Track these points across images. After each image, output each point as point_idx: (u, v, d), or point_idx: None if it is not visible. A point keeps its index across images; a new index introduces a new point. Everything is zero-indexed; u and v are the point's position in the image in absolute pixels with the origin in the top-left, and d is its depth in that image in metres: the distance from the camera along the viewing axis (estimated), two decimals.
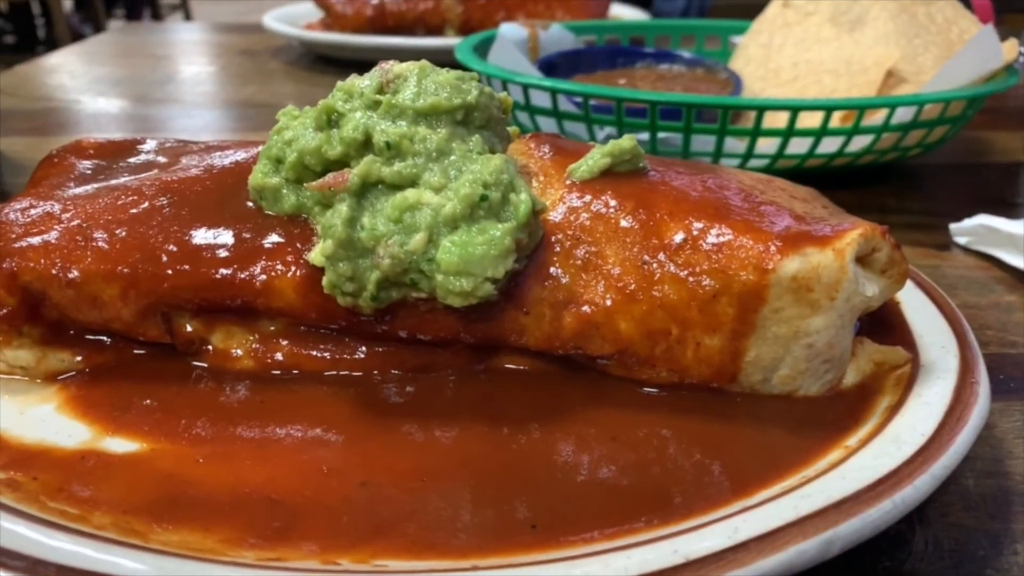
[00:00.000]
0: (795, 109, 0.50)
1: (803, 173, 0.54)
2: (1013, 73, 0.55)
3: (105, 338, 0.31)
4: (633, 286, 0.28)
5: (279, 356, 0.30)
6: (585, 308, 0.28)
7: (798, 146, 0.52)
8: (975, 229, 0.47)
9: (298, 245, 0.29)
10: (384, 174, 0.28)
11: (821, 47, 0.63)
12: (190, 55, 0.97)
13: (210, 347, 0.30)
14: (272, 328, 0.30)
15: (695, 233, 0.28)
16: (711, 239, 0.28)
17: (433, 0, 0.91)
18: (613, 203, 0.29)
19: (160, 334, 0.30)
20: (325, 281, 0.28)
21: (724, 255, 0.27)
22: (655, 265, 0.28)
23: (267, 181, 0.30)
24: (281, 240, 0.29)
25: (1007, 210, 0.54)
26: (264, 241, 0.29)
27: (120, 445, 0.26)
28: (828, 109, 0.50)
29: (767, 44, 0.66)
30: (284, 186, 0.30)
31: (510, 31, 0.65)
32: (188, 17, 7.74)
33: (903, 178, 0.59)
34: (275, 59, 0.93)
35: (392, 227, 0.27)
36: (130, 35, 1.10)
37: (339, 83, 0.31)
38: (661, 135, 0.52)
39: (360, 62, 0.85)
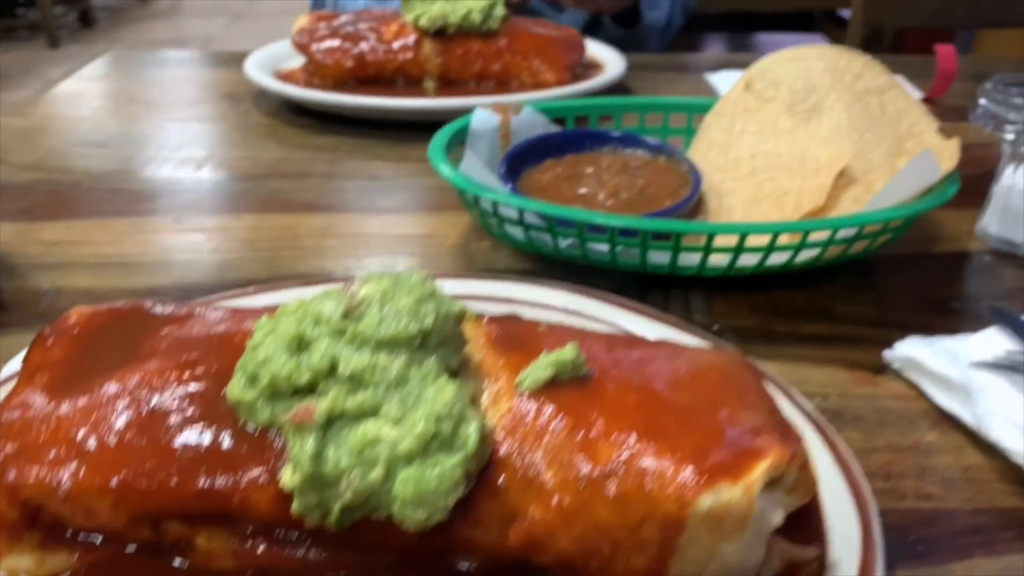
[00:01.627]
0: (743, 234, 0.53)
1: (757, 276, 0.58)
2: (954, 182, 0.58)
3: (99, 536, 0.34)
4: (572, 505, 0.31)
5: (258, 556, 0.33)
6: (529, 524, 0.31)
7: (749, 259, 0.56)
8: (904, 361, 0.51)
9: (272, 461, 0.32)
10: (348, 407, 0.31)
11: (778, 138, 0.66)
12: (174, 102, 0.98)
13: (195, 547, 0.34)
14: (251, 530, 0.33)
15: (626, 457, 0.31)
16: (641, 463, 0.31)
17: (412, 52, 0.93)
18: (555, 420, 0.32)
19: (149, 536, 0.33)
20: (294, 507, 0.31)
21: (651, 482, 0.31)
22: (591, 486, 0.31)
23: (243, 396, 0.33)
24: (257, 455, 0.32)
25: (946, 318, 0.57)
26: (241, 455, 0.33)
27: None
28: (774, 233, 0.53)
29: (728, 129, 0.69)
30: (259, 401, 0.33)
31: (481, 122, 0.67)
32: None
33: (855, 272, 0.62)
34: (257, 108, 0.95)
35: (354, 459, 0.31)
36: (115, 71, 1.11)
37: (310, 299, 0.34)
38: (619, 248, 0.56)
39: (340, 116, 0.87)
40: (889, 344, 0.53)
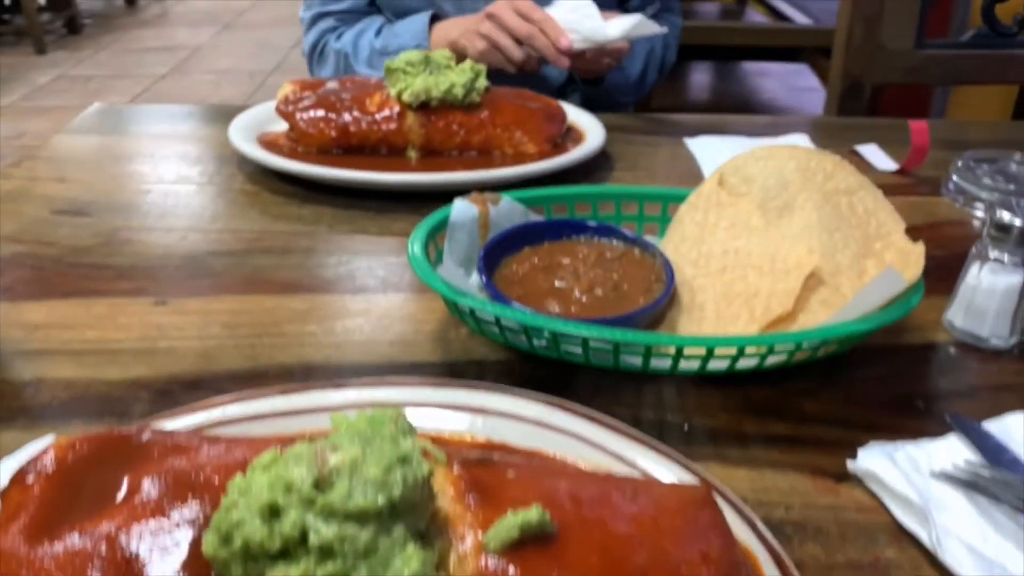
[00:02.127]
0: (710, 347, 0.55)
1: (730, 374, 0.59)
2: (918, 290, 0.60)
3: None
4: None
5: None
6: None
7: (719, 363, 0.57)
8: (865, 473, 0.52)
9: None
10: None
11: (750, 235, 0.68)
12: (160, 162, 0.99)
13: None
14: None
15: None
16: None
17: (396, 123, 0.94)
18: None
19: None
20: None
21: None
22: None
23: (217, 554, 0.34)
24: None
25: (912, 418, 0.59)
26: None
27: None
28: (741, 346, 0.55)
29: (701, 223, 0.70)
30: (233, 561, 0.34)
31: (460, 213, 0.69)
32: None
33: (825, 364, 0.63)
34: (241, 171, 0.96)
35: None
36: (101, 125, 1.12)
37: (283, 459, 0.35)
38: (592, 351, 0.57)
39: (324, 185, 0.88)
40: (854, 447, 0.54)
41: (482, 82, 0.98)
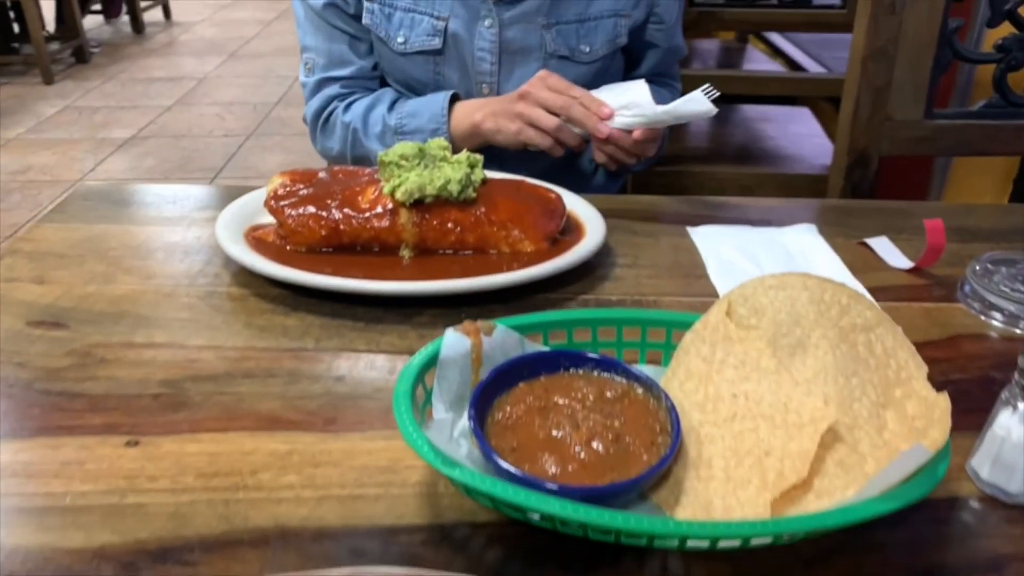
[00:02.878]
0: (714, 539, 0.51)
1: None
2: (944, 456, 0.56)
3: None
4: None
5: None
6: None
7: (728, 542, 0.53)
8: None
9: None
10: None
11: (760, 378, 0.63)
12: (143, 257, 0.96)
13: None
14: None
15: None
16: None
17: (388, 220, 0.90)
18: None
19: None
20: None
21: None
22: None
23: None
24: None
25: None
26: None
27: None
28: (746, 538, 0.51)
29: (708, 358, 0.66)
30: None
31: (451, 347, 0.64)
32: (168, 15, 7.61)
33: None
34: (227, 270, 0.92)
35: None
36: (83, 212, 1.09)
37: None
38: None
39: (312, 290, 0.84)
40: None
41: (479, 174, 0.94)
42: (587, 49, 1.16)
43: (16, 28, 5.56)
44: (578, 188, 1.06)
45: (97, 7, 6.40)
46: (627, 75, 1.30)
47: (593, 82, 1.16)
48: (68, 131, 4.36)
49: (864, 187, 1.39)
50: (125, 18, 6.57)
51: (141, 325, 0.82)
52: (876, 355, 0.63)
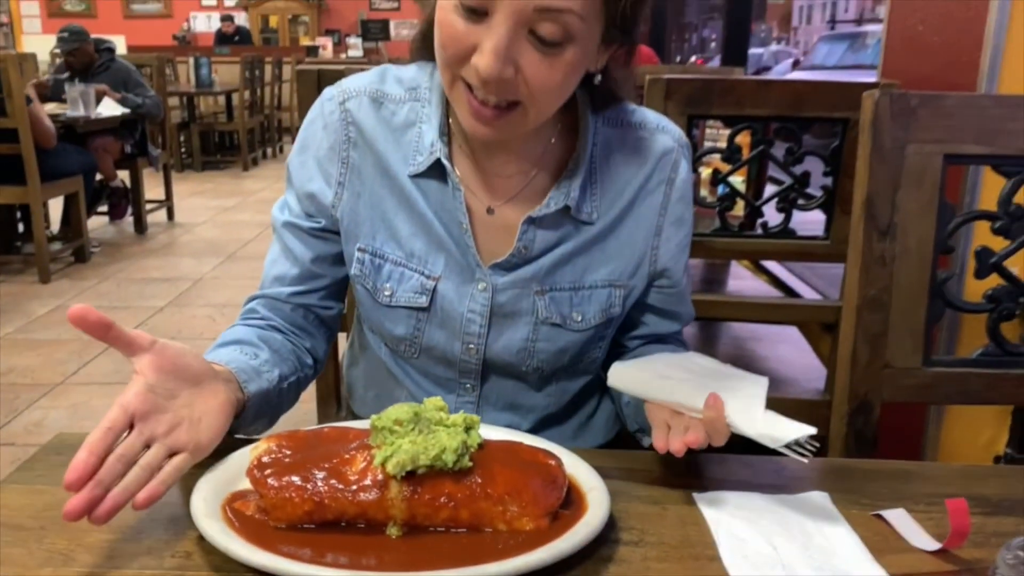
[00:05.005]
0: None
1: None
2: None
3: None
4: None
5: None
6: None
7: None
8: None
9: None
10: None
11: None
12: (110, 547, 0.88)
13: None
14: None
15: None
16: None
17: (376, 494, 0.85)
18: None
19: None
20: None
21: None
22: None
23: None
24: None
25: None
26: None
27: None
28: None
29: None
30: None
31: None
32: (171, 216, 7.86)
33: None
34: (200, 548, 0.85)
35: None
36: (52, 471, 1.02)
37: None
38: None
39: None
40: None
41: (475, 438, 0.90)
42: (579, 318, 1.14)
43: (21, 228, 5.74)
44: (578, 429, 1.02)
45: (103, 208, 6.63)
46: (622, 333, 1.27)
47: (584, 348, 1.15)
48: (56, 332, 4.35)
49: (868, 434, 1.36)
50: (129, 219, 6.78)
51: None
52: None
